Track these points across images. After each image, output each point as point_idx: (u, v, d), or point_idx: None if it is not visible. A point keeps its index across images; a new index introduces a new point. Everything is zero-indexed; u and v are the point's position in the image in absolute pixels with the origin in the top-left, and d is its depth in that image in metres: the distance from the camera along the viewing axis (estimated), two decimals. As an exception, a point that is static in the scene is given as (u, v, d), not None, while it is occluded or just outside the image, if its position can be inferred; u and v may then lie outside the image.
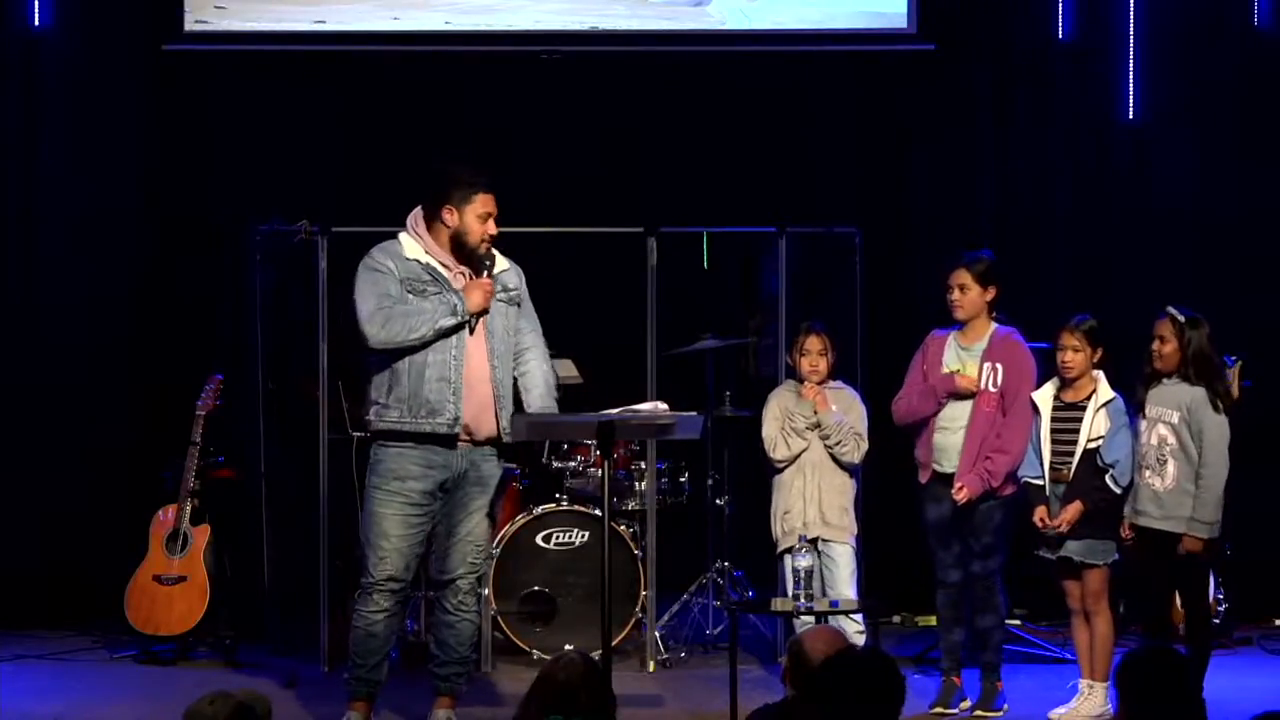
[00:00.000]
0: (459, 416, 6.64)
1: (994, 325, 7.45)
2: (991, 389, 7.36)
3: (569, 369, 8.62)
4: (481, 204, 6.69)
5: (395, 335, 6.59)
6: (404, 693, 7.33)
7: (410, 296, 6.63)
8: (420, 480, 6.65)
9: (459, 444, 6.68)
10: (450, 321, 6.61)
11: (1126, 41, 9.47)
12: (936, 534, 7.48)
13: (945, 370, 7.43)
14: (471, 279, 6.70)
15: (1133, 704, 4.31)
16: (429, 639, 7.10)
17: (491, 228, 6.72)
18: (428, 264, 6.68)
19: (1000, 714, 7.41)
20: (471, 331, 6.68)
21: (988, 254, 7.53)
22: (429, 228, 6.73)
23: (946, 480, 7.37)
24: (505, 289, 6.83)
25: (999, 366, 7.38)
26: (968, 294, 7.43)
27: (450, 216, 6.69)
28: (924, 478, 7.49)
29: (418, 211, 6.77)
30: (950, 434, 7.40)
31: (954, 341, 7.49)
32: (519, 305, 6.91)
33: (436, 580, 6.88)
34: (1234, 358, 7.68)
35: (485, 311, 6.69)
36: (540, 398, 6.88)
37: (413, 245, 6.72)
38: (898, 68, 9.55)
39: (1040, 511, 7.20)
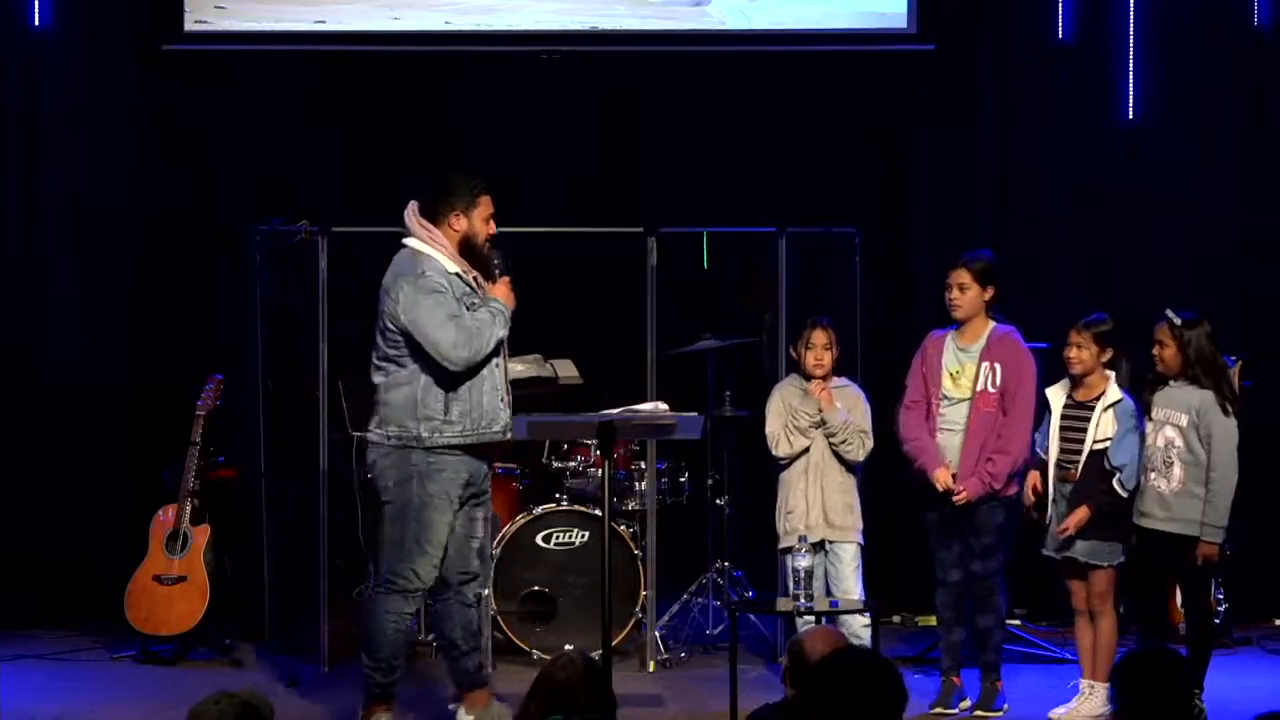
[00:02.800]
0: (509, 422, 6.71)
1: (992, 324, 7.43)
2: (990, 389, 7.35)
3: (569, 369, 8.62)
4: (485, 206, 6.73)
5: (477, 354, 6.57)
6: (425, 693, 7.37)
7: (466, 312, 6.62)
8: (466, 488, 6.69)
9: None
10: (505, 331, 6.67)
11: (1126, 41, 9.46)
12: (937, 534, 7.47)
13: (945, 373, 7.42)
14: (485, 284, 6.73)
15: (1130, 704, 4.31)
16: (457, 637, 6.82)
17: (492, 228, 6.77)
18: (463, 275, 6.68)
19: (1000, 714, 7.41)
20: None
21: (987, 253, 7.52)
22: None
23: (947, 480, 7.38)
24: None
25: (997, 366, 7.36)
26: (967, 293, 7.41)
27: (458, 221, 6.68)
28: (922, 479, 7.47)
29: (424, 222, 6.68)
30: (952, 435, 7.39)
31: (952, 342, 7.47)
32: None
33: (461, 578, 6.78)
34: (1234, 357, 7.67)
35: None
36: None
37: (445, 259, 6.67)
38: (898, 68, 9.54)
39: (1033, 478, 7.22)
